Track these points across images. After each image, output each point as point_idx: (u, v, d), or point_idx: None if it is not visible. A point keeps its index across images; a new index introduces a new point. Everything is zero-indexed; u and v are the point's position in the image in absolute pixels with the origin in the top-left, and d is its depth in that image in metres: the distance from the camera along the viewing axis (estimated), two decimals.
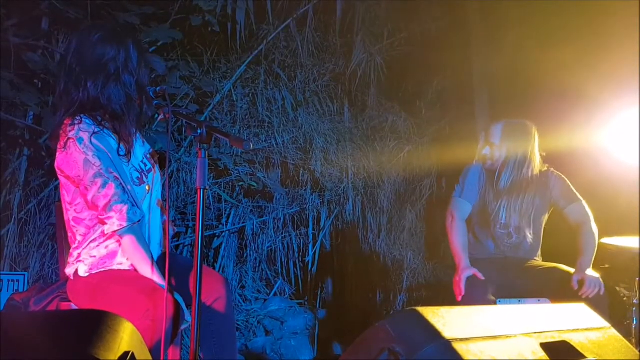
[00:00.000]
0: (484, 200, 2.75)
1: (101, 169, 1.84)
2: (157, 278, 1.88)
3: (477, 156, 2.84)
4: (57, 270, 2.39)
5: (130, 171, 1.96)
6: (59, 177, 1.94)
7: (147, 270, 1.89)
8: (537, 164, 2.73)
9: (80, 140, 1.84)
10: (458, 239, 2.64)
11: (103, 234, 1.92)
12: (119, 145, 1.91)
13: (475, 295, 2.45)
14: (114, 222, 1.85)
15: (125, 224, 1.85)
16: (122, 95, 1.90)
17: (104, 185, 1.84)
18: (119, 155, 1.91)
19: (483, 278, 2.50)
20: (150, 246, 2.00)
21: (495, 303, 2.50)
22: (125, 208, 1.85)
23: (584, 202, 2.75)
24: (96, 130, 1.87)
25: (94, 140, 1.85)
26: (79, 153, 1.84)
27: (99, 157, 1.85)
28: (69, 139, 1.86)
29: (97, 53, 1.88)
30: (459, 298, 2.50)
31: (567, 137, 3.05)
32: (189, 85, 3.59)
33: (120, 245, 1.92)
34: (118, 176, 1.87)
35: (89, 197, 1.87)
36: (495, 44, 3.93)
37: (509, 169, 2.69)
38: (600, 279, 2.50)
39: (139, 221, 1.89)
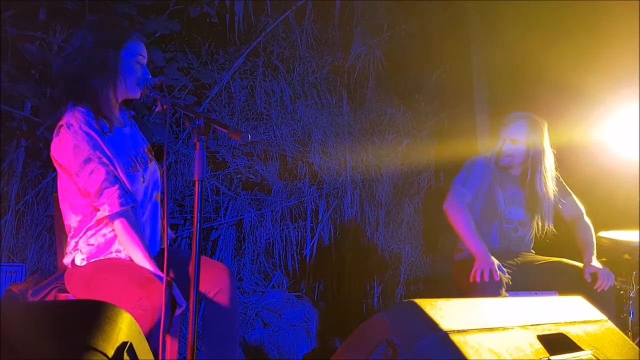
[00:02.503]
0: (490, 195, 2.72)
1: (90, 154, 1.86)
2: (149, 264, 1.88)
3: (491, 152, 2.76)
4: (55, 261, 2.39)
5: (123, 158, 1.96)
6: (54, 164, 1.96)
7: (139, 256, 1.89)
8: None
9: (70, 126, 1.87)
10: (470, 225, 2.56)
11: (98, 221, 1.92)
12: (97, 121, 1.91)
13: (490, 292, 2.39)
14: (106, 208, 1.86)
15: (116, 209, 1.86)
16: (84, 74, 1.92)
17: (93, 170, 1.86)
18: (103, 133, 1.91)
19: (505, 272, 2.44)
20: (148, 241, 2.00)
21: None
22: (116, 193, 1.87)
23: (574, 196, 2.78)
24: (78, 108, 1.90)
25: (83, 126, 1.87)
26: (69, 139, 1.86)
27: (88, 143, 1.87)
28: (60, 125, 1.89)
29: (74, 39, 1.97)
30: (486, 278, 2.38)
31: (566, 132, 3.05)
32: (187, 77, 3.58)
33: (114, 232, 1.93)
34: (108, 162, 1.89)
35: (81, 184, 1.88)
36: (495, 38, 3.92)
37: (539, 167, 2.65)
38: (609, 270, 2.52)
39: (131, 207, 1.90)
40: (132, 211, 1.91)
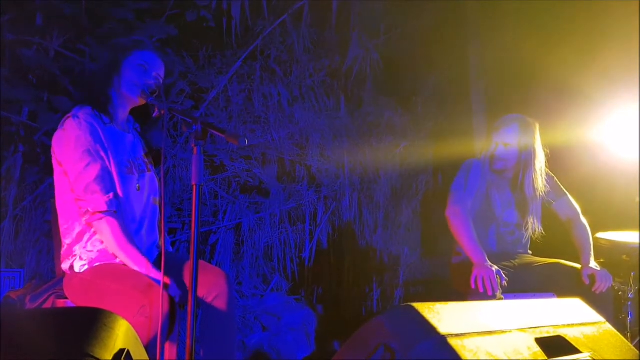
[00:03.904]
0: (486, 199, 2.72)
1: (91, 146, 1.90)
2: (145, 264, 1.89)
3: (484, 156, 2.74)
4: (53, 267, 2.39)
5: (120, 157, 1.99)
6: (52, 159, 1.98)
7: (133, 257, 1.90)
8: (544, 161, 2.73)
9: (76, 117, 1.93)
10: (471, 233, 2.55)
11: (88, 223, 1.93)
12: (100, 116, 1.98)
13: (485, 294, 2.38)
14: (89, 205, 1.88)
15: (103, 208, 1.88)
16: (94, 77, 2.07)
17: (90, 164, 1.89)
18: (104, 123, 1.97)
19: (504, 280, 2.42)
20: (146, 247, 2.01)
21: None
22: (105, 193, 1.88)
23: (569, 196, 2.78)
24: (84, 106, 1.98)
25: (88, 118, 1.94)
26: (73, 129, 1.91)
27: (91, 134, 1.92)
28: (67, 117, 1.95)
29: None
30: (488, 292, 2.38)
31: (565, 132, 3.06)
32: (185, 80, 3.58)
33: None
34: (105, 155, 1.92)
35: (73, 176, 1.90)
36: (493, 39, 3.93)
37: (530, 169, 2.65)
38: (607, 271, 2.51)
39: (114, 212, 1.90)
40: (115, 215, 1.90)
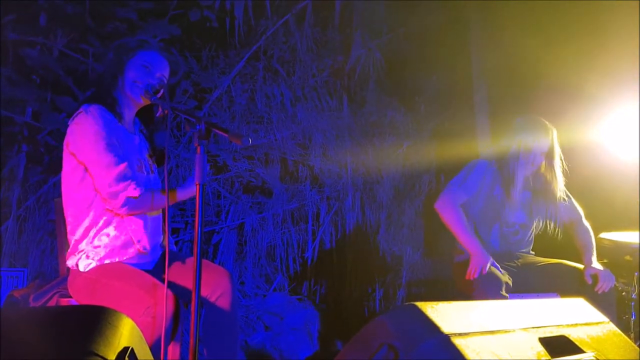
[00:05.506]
0: (490, 198, 2.71)
1: (111, 141, 1.91)
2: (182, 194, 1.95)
3: (515, 159, 2.66)
4: (57, 266, 2.39)
5: (130, 156, 2.00)
6: (64, 152, 1.98)
7: (162, 204, 1.97)
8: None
9: (89, 112, 1.93)
10: (463, 223, 2.56)
11: (98, 219, 1.94)
12: (111, 114, 1.99)
13: (490, 292, 2.38)
14: (127, 192, 1.89)
15: (140, 188, 1.90)
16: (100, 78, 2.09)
17: (115, 156, 1.90)
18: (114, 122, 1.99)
19: (502, 271, 2.44)
20: (150, 247, 2.01)
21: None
22: (132, 179, 1.91)
23: (573, 199, 2.78)
24: (92, 104, 1.98)
25: (102, 113, 1.94)
26: (90, 124, 1.91)
27: (109, 126, 1.93)
28: (79, 112, 1.94)
29: None
30: (473, 286, 2.41)
31: (566, 132, 3.05)
32: (188, 80, 3.59)
33: (117, 231, 1.96)
34: (123, 151, 1.95)
35: (99, 167, 1.89)
36: (495, 39, 3.93)
37: (552, 174, 2.66)
38: (610, 271, 2.51)
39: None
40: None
